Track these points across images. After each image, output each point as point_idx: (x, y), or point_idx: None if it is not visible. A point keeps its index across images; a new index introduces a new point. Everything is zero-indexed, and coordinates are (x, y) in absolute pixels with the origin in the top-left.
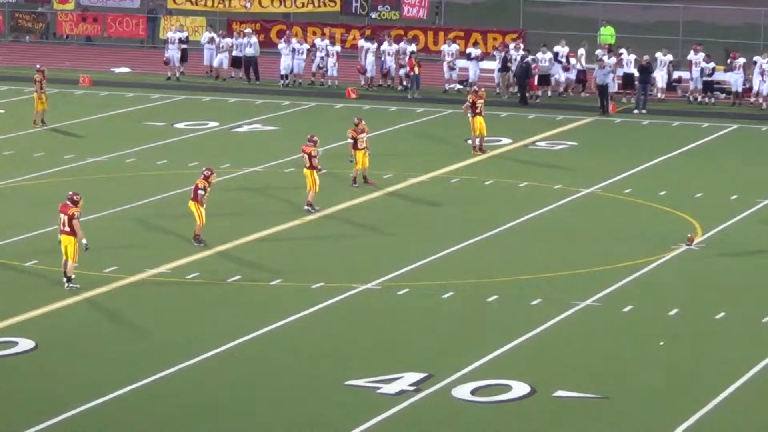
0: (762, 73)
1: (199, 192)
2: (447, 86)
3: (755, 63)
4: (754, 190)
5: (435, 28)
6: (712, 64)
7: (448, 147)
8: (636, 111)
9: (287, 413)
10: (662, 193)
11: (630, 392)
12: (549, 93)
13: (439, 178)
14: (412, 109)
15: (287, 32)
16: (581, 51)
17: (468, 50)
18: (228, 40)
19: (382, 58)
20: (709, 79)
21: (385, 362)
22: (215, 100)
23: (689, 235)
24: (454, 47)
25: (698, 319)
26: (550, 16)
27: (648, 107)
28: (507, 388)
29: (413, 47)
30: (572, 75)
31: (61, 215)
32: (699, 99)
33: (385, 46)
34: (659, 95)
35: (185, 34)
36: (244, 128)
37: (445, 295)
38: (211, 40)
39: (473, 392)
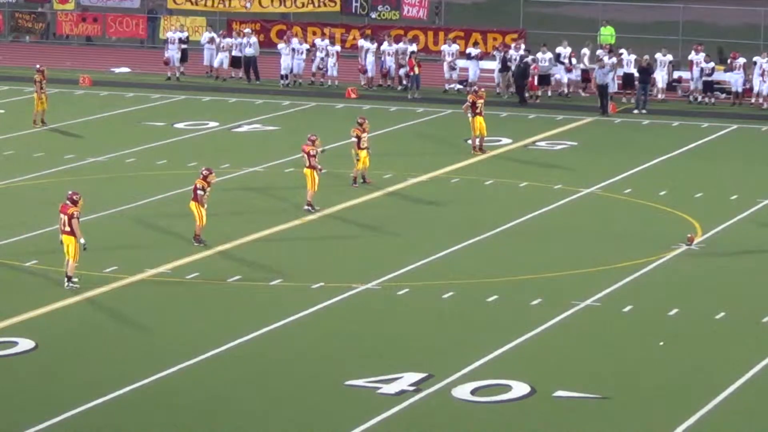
0: (762, 74)
1: (198, 192)
2: (447, 86)
3: (755, 63)
4: (754, 190)
5: (435, 28)
6: (712, 64)
7: (448, 147)
8: (636, 111)
9: (287, 413)
10: (662, 193)
11: (630, 392)
12: (549, 93)
13: (439, 178)
14: (412, 109)
15: (288, 32)
16: (584, 51)
17: (468, 50)
18: (228, 40)
19: (382, 58)
20: (709, 79)
21: (385, 362)
22: (215, 100)
23: (689, 235)
24: (455, 47)
25: (698, 319)
26: (550, 16)
27: (648, 107)
28: (507, 388)
29: (414, 47)
30: (574, 75)
31: (62, 215)
32: (699, 99)
33: (385, 46)
34: (659, 96)
35: (185, 34)
36: (244, 128)
37: (445, 295)
38: (211, 40)
39: (473, 392)
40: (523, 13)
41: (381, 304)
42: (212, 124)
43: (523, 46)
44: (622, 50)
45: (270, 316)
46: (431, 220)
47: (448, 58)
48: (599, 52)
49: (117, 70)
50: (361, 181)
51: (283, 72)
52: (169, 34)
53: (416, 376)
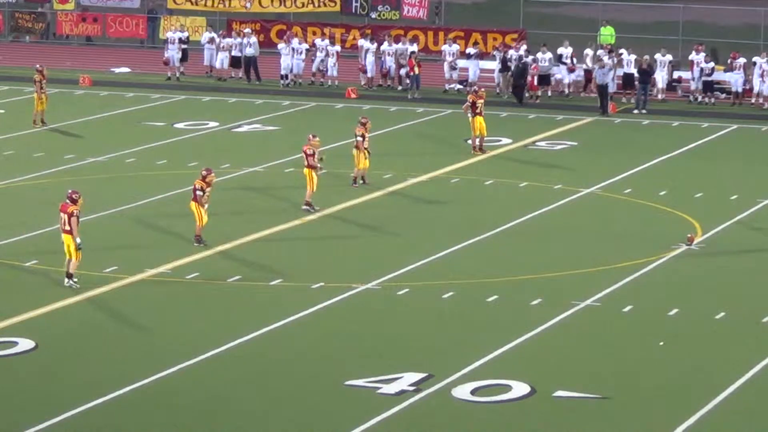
0: (762, 74)
1: (197, 193)
2: (447, 86)
3: (754, 64)
4: (754, 190)
5: (435, 28)
6: (712, 64)
7: (448, 147)
8: (636, 111)
9: (287, 413)
10: (662, 193)
11: (630, 392)
12: (549, 93)
13: (439, 178)
14: (412, 109)
15: (288, 32)
16: (588, 51)
17: (467, 50)
18: (228, 39)
19: (382, 58)
20: (709, 79)
21: (385, 362)
22: (215, 100)
23: (689, 235)
24: (455, 47)
25: (698, 319)
26: (550, 16)
27: (648, 107)
28: (507, 388)
29: (414, 47)
30: (576, 76)
31: (62, 214)
32: (699, 99)
33: (385, 46)
34: (659, 96)
35: (185, 34)
36: (244, 128)
37: (445, 295)
38: (211, 40)
39: (473, 392)
40: (523, 13)
41: (381, 304)
42: (212, 124)
43: (524, 47)
44: (622, 50)
45: (270, 316)
46: (431, 220)
47: (449, 58)
48: (600, 52)
49: (117, 70)
50: (361, 182)
51: (283, 72)
52: (169, 34)
53: (416, 376)
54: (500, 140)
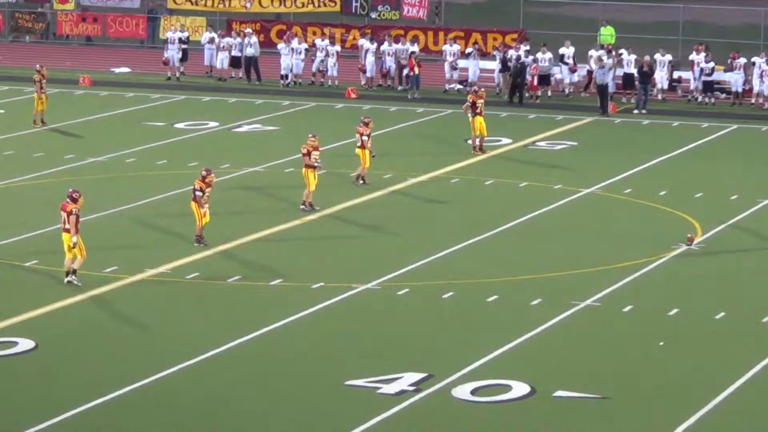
0: (761, 74)
1: (197, 193)
2: (447, 86)
3: (753, 64)
4: (754, 190)
5: (435, 28)
6: (711, 64)
7: (448, 147)
8: (636, 111)
9: (287, 413)
10: (662, 193)
11: (630, 392)
12: (549, 93)
13: (439, 178)
14: (412, 109)
15: (288, 32)
16: (591, 52)
17: (467, 50)
18: (227, 39)
19: (382, 58)
20: (709, 79)
21: (385, 362)
22: (215, 100)
23: (689, 235)
24: (456, 47)
25: (698, 319)
26: (550, 16)
27: (648, 107)
28: (507, 388)
29: (415, 47)
30: (577, 76)
31: (63, 213)
32: (699, 99)
33: (385, 46)
34: (659, 96)
35: (186, 34)
36: (244, 128)
37: (445, 295)
38: (212, 40)
39: (473, 392)
40: (523, 13)
41: (381, 304)
42: (212, 124)
43: (525, 47)
44: (622, 50)
45: (270, 316)
46: (431, 220)
47: (450, 58)
48: (600, 52)
49: (117, 70)
50: (361, 182)
51: (283, 72)
52: (169, 34)
53: (416, 376)
54: (500, 140)
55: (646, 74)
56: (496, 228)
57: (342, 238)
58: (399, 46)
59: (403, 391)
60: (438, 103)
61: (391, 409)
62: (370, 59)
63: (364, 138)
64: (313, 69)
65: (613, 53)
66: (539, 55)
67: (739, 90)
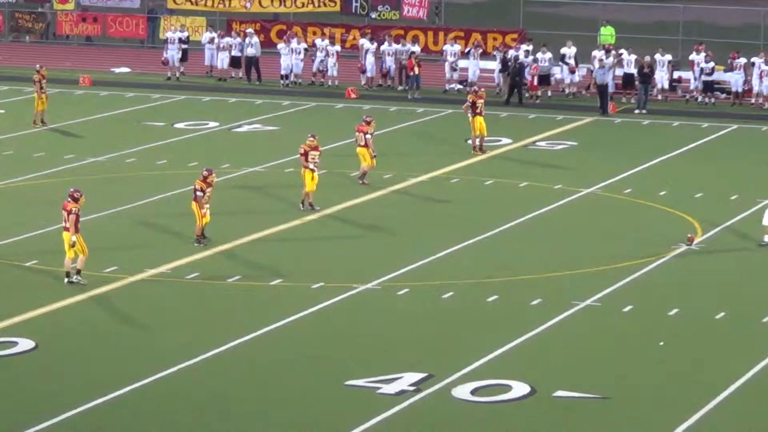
0: (761, 75)
1: (197, 193)
2: (447, 86)
3: (753, 64)
4: (754, 190)
5: (435, 28)
6: (712, 64)
7: (448, 147)
8: (637, 111)
9: (287, 413)
10: (662, 193)
11: (630, 392)
12: (549, 93)
13: (439, 178)
14: (412, 109)
15: (289, 32)
16: (595, 53)
17: (467, 49)
18: (227, 39)
19: (382, 58)
20: (709, 79)
21: (385, 362)
22: (215, 100)
23: (689, 235)
24: (457, 47)
25: (698, 319)
26: (550, 16)
27: (648, 107)
28: (507, 388)
29: (417, 48)
30: (578, 77)
31: (64, 213)
32: (699, 99)
33: (385, 46)
34: (659, 96)
35: (186, 33)
36: (244, 128)
37: (445, 295)
38: (212, 40)
39: (473, 392)
40: (523, 13)
41: (381, 304)
42: (212, 124)
43: (527, 47)
44: (622, 50)
45: (270, 316)
46: (431, 220)
47: (450, 58)
48: (601, 52)
49: (117, 70)
50: (360, 182)
51: (283, 72)
52: (169, 34)
53: (416, 376)
54: (500, 140)
55: (647, 75)
56: (496, 228)
57: (342, 238)
58: (399, 47)
59: (403, 391)
60: (438, 103)
61: (391, 409)
62: (370, 59)
63: (368, 137)
64: (314, 69)
65: (613, 52)
66: (539, 55)
67: (739, 90)
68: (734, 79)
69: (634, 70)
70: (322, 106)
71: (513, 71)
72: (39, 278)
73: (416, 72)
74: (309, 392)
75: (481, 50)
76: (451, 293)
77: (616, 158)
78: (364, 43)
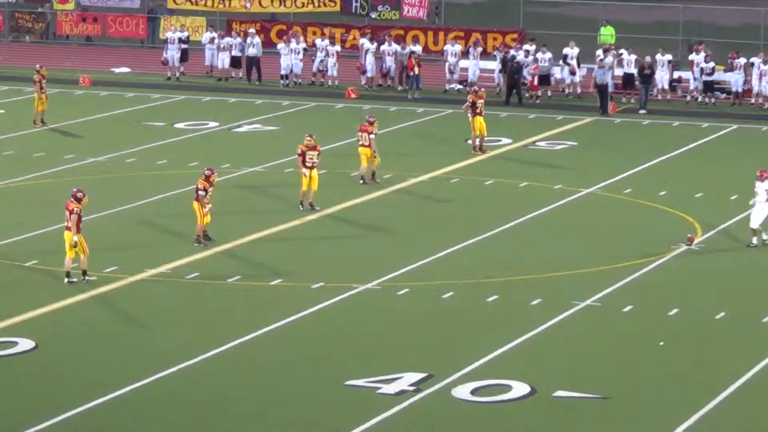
0: (760, 75)
1: (200, 192)
2: (447, 86)
3: (752, 65)
4: (754, 190)
5: (435, 28)
6: (712, 64)
7: (448, 147)
8: (642, 111)
9: (287, 413)
10: (662, 193)
11: (630, 392)
12: (549, 93)
13: (439, 178)
14: (412, 109)
15: (290, 32)
16: (599, 52)
17: (468, 47)
18: (228, 39)
19: (382, 58)
20: (710, 79)
21: (385, 362)
22: (215, 100)
23: (689, 235)
24: (457, 47)
25: (698, 319)
26: (550, 16)
27: (648, 107)
28: (507, 388)
29: (418, 48)
30: (579, 77)
31: (67, 212)
32: (699, 99)
33: (385, 46)
34: (659, 96)
35: (186, 33)
36: (244, 128)
37: (445, 295)
38: (212, 40)
39: (473, 392)
40: (523, 13)
41: (381, 304)
42: (212, 124)
43: (530, 47)
44: (622, 50)
45: (270, 316)
46: (431, 220)
47: (451, 58)
48: (598, 52)
49: (117, 70)
50: (361, 181)
51: (283, 72)
52: (169, 34)
53: (416, 376)
54: (500, 140)
55: (647, 75)
56: (496, 228)
57: (342, 238)
58: (399, 49)
59: (403, 391)
60: (438, 103)
61: (391, 409)
62: (370, 59)
63: (372, 137)
64: (314, 69)
65: (614, 52)
66: (539, 55)
67: (739, 90)
68: (734, 79)
69: (634, 70)
70: (322, 106)
71: (510, 71)
72: (39, 278)
73: (416, 72)
74: (309, 392)
75: (481, 49)
76: (451, 293)
77: (616, 158)
78: (364, 43)
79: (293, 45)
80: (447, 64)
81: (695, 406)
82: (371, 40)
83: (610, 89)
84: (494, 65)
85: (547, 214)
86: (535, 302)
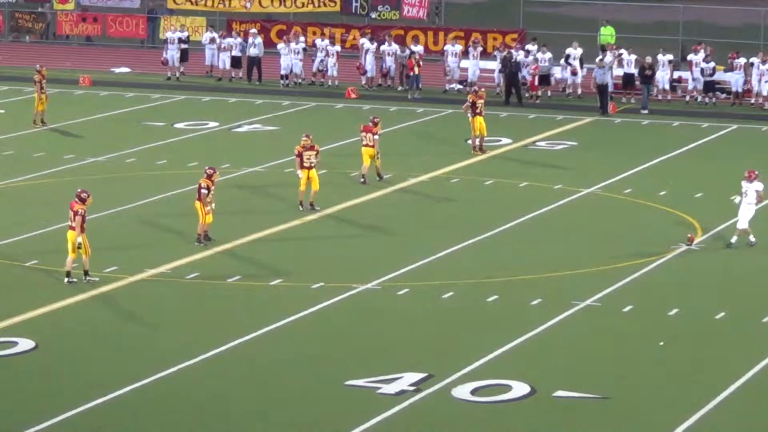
0: (760, 75)
1: (202, 191)
2: (447, 86)
3: (752, 65)
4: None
5: (435, 28)
6: (712, 64)
7: (448, 147)
8: (645, 111)
9: (287, 413)
10: (662, 193)
11: (630, 392)
12: (549, 93)
13: (439, 178)
14: (412, 109)
15: (293, 32)
16: (606, 53)
17: (469, 47)
18: (229, 39)
19: (382, 58)
20: (711, 79)
21: (385, 362)
22: (215, 100)
23: (689, 235)
24: (458, 47)
25: (698, 319)
26: (550, 16)
27: (648, 107)
28: (507, 388)
29: (420, 48)
30: (579, 78)
31: (71, 212)
32: (699, 99)
33: (385, 46)
34: (659, 97)
35: (186, 33)
36: (244, 128)
37: (445, 295)
38: (212, 40)
39: (473, 392)
40: (523, 13)
41: (381, 304)
42: (212, 124)
43: (531, 47)
44: (622, 50)
45: (270, 316)
46: (431, 220)
47: (451, 58)
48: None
49: (117, 70)
50: (361, 179)
51: (283, 72)
52: (169, 35)
53: (416, 376)
54: (500, 140)
55: (648, 76)
56: (496, 228)
57: (342, 238)
58: (399, 51)
59: (403, 391)
60: (438, 103)
61: (391, 409)
62: (370, 59)
63: (376, 137)
64: (314, 69)
65: (614, 51)
66: (539, 55)
67: (739, 90)
68: (734, 79)
69: (634, 70)
70: (322, 106)
71: (508, 71)
72: (39, 278)
73: (416, 72)
74: (309, 392)
75: (480, 49)
76: (451, 293)
77: (616, 158)
78: (364, 43)
79: (293, 45)
80: (445, 66)
81: (695, 406)
82: (371, 40)
83: (610, 89)
84: (494, 65)
85: (547, 214)
86: (535, 302)
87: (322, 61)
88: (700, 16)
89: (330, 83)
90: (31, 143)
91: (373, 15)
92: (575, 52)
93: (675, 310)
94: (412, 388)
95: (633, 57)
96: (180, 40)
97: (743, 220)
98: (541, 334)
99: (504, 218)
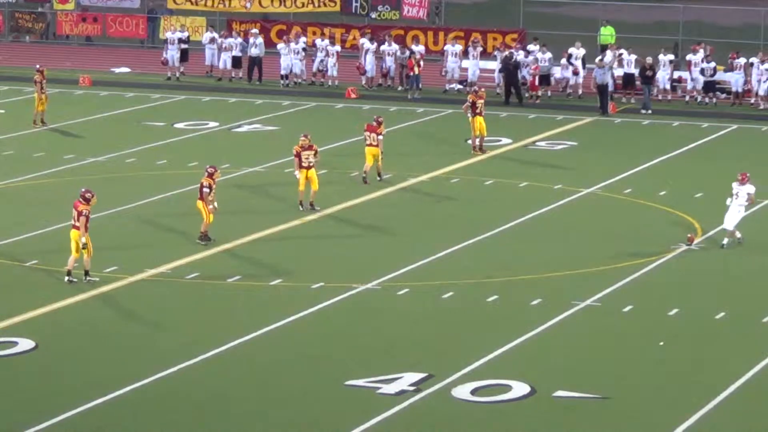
0: (760, 75)
1: (204, 190)
2: (447, 86)
3: (751, 65)
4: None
5: (435, 28)
6: (713, 64)
7: (448, 147)
8: (647, 111)
9: (287, 413)
10: (662, 193)
11: (630, 392)
12: (549, 93)
13: (439, 178)
14: (412, 109)
15: (295, 32)
16: (608, 53)
17: (469, 47)
18: (230, 40)
19: (383, 58)
20: (711, 79)
21: (385, 362)
22: (215, 100)
23: (689, 235)
24: (458, 47)
25: (698, 319)
26: (550, 16)
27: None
28: (507, 388)
29: (421, 48)
30: (581, 78)
31: (75, 212)
32: (699, 99)
33: (385, 46)
34: (659, 97)
35: (186, 33)
36: (244, 128)
37: (445, 295)
38: (212, 40)
39: (473, 392)
40: (523, 13)
41: (381, 304)
42: (212, 124)
43: (533, 46)
44: (622, 50)
45: (270, 316)
46: (431, 220)
47: (451, 58)
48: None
49: (117, 70)
50: (363, 177)
51: (283, 72)
52: (168, 35)
53: (416, 376)
54: (500, 140)
55: (648, 76)
56: (496, 228)
57: (342, 238)
58: (399, 53)
59: (403, 391)
60: (438, 103)
61: (391, 409)
62: (370, 59)
63: (380, 138)
64: (314, 69)
65: (614, 51)
66: (539, 55)
67: (739, 90)
68: (734, 79)
69: (634, 70)
70: (322, 106)
71: (507, 71)
72: (39, 278)
73: (416, 72)
74: (309, 392)
75: (480, 49)
76: (451, 293)
77: (616, 158)
78: (364, 43)
79: (293, 45)
80: (442, 67)
81: (695, 406)
82: (371, 40)
83: (610, 89)
84: (494, 65)
85: (547, 214)
86: (535, 302)
87: (322, 61)
88: (700, 16)
89: (330, 83)
90: (31, 143)
91: (373, 15)
92: (578, 52)
93: (675, 310)
94: (412, 388)
95: (633, 57)
96: (180, 40)
97: (730, 222)
98: (541, 334)
99: (504, 218)
